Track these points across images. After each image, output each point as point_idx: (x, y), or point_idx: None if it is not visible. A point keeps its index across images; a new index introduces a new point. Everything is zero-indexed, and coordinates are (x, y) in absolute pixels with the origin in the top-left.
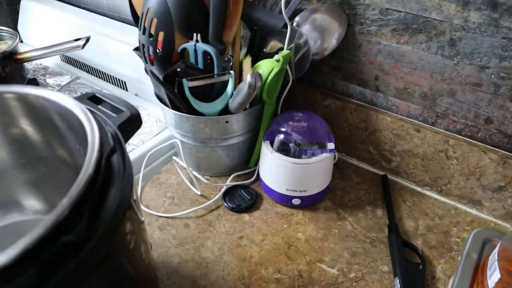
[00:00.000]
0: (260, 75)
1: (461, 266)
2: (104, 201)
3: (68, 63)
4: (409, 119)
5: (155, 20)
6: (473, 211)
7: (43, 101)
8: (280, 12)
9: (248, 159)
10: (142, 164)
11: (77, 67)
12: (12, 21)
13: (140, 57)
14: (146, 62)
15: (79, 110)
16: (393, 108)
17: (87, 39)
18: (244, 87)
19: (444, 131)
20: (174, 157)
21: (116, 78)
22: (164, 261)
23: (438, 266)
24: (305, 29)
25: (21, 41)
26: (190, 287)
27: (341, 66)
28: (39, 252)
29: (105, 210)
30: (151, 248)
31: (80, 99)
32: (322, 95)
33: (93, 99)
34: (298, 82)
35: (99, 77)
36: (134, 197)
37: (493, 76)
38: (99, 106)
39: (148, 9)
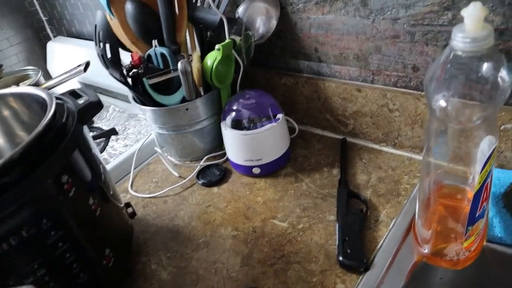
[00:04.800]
0: (188, 62)
1: (405, 208)
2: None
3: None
4: (350, 81)
5: (100, 33)
6: None
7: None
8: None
9: (220, 142)
10: (133, 158)
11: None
12: (44, 61)
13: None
14: (107, 67)
15: (47, 97)
16: (336, 74)
17: (87, 64)
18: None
19: (382, 86)
20: (155, 148)
21: (121, 94)
22: (144, 230)
23: (383, 211)
24: (247, 17)
25: (51, 77)
26: (161, 247)
27: (287, 46)
28: None
29: (43, 165)
30: (134, 215)
31: (63, 94)
32: (278, 75)
33: (73, 94)
34: (258, 67)
35: (109, 96)
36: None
37: (405, 25)
38: (78, 100)
39: (95, 25)
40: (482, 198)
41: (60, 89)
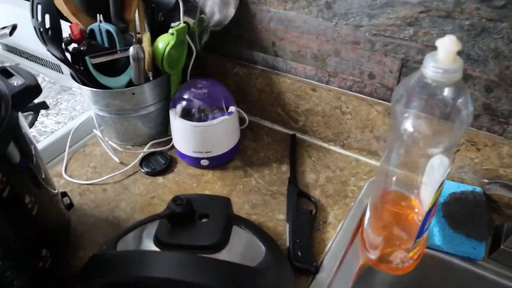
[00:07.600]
0: (141, 48)
1: (352, 210)
2: None
3: (9, 51)
4: (306, 79)
5: (39, 5)
6: (372, 162)
7: None
8: None
9: (165, 128)
10: (68, 138)
11: (17, 55)
12: None
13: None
14: (45, 44)
15: None
16: (292, 70)
17: (13, 27)
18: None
19: (337, 88)
20: (94, 130)
21: (51, 63)
22: (81, 221)
23: (331, 212)
24: (204, 2)
25: None
26: (101, 242)
27: (243, 35)
28: None
29: None
30: (71, 206)
31: None
32: (231, 64)
33: (4, 72)
34: (210, 53)
35: (38, 63)
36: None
37: (367, 33)
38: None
39: None
40: (431, 214)
41: None
